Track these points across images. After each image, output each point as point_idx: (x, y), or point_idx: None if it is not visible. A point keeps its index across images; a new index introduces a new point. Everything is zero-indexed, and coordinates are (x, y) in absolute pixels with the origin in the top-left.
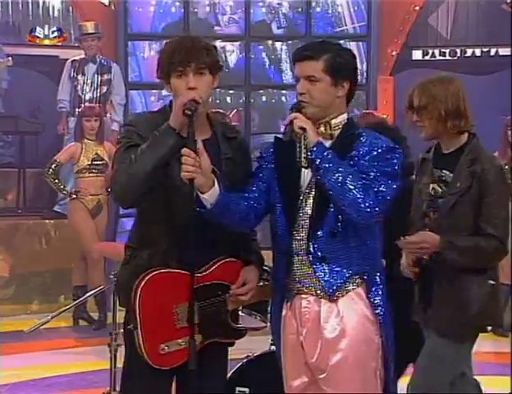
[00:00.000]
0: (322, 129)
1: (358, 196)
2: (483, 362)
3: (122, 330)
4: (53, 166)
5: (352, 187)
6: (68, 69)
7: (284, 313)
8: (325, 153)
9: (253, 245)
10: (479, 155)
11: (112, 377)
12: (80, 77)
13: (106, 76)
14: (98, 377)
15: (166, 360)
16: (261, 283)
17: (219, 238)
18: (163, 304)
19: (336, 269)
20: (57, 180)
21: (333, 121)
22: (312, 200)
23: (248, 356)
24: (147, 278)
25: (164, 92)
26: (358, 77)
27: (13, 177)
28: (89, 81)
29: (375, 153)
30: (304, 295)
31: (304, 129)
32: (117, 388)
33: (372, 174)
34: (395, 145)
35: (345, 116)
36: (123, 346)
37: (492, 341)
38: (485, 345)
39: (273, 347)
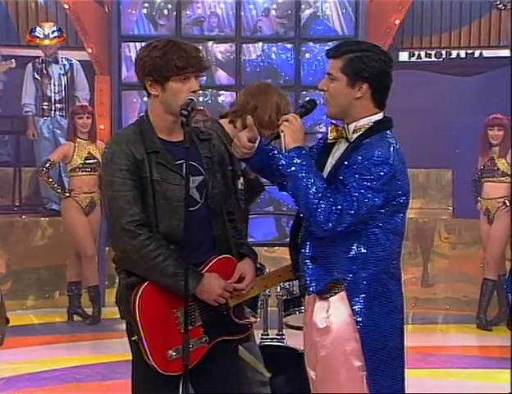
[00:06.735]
0: (334, 132)
1: (314, 206)
2: (467, 355)
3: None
4: (47, 165)
5: (310, 197)
6: (30, 71)
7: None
8: (293, 161)
9: (243, 241)
10: None
11: None
12: (45, 79)
13: (69, 75)
14: (92, 371)
15: (176, 366)
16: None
17: (211, 238)
18: (163, 311)
19: (324, 271)
20: (51, 179)
21: (352, 125)
22: None
23: None
24: (143, 287)
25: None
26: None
27: (9, 176)
28: (56, 82)
29: (361, 163)
30: (308, 291)
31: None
32: None
33: (349, 185)
34: (388, 159)
35: (371, 118)
36: None
37: (476, 335)
38: (468, 338)
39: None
